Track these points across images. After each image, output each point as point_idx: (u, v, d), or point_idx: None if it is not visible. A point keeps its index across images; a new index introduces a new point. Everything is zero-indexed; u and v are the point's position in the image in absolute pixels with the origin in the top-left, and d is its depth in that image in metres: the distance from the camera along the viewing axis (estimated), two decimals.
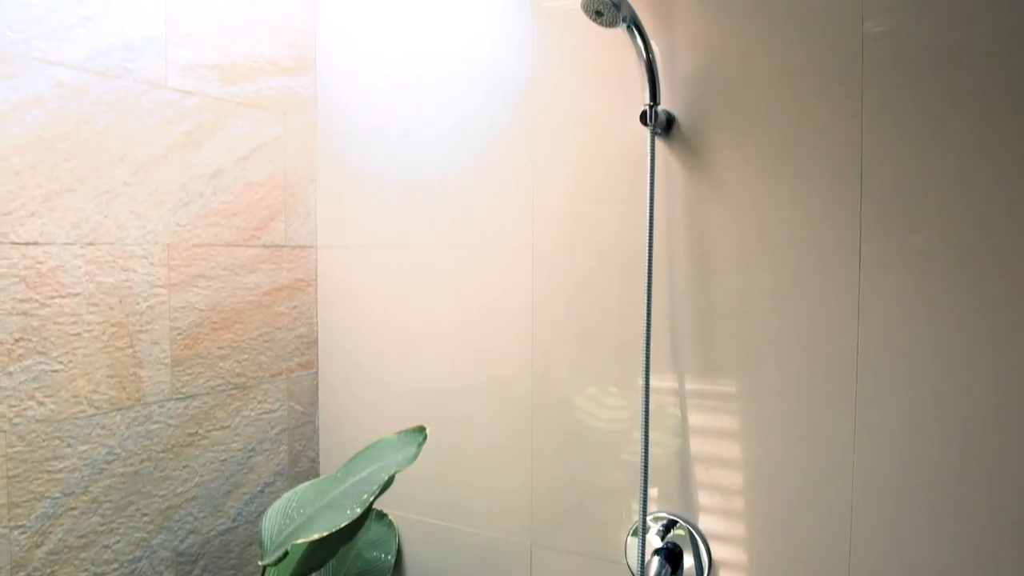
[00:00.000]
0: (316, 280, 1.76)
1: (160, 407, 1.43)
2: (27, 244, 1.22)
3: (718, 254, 1.30)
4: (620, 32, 1.35)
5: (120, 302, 1.36)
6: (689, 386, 1.33)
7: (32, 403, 1.24)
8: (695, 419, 1.33)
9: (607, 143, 1.39)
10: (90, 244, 1.31)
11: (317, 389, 1.78)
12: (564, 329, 1.45)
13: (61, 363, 1.28)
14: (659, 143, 1.35)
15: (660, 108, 1.30)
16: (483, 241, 1.53)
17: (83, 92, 1.29)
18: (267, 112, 1.62)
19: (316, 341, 1.77)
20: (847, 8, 1.17)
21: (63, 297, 1.27)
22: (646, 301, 1.29)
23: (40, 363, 1.25)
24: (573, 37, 1.42)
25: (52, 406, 1.27)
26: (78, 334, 1.30)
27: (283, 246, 1.67)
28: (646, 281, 1.29)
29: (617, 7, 1.19)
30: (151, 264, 1.41)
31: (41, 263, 1.24)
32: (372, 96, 1.66)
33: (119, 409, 1.36)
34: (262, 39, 1.60)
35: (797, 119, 1.22)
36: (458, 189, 1.56)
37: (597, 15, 1.22)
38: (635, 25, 1.25)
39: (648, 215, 1.29)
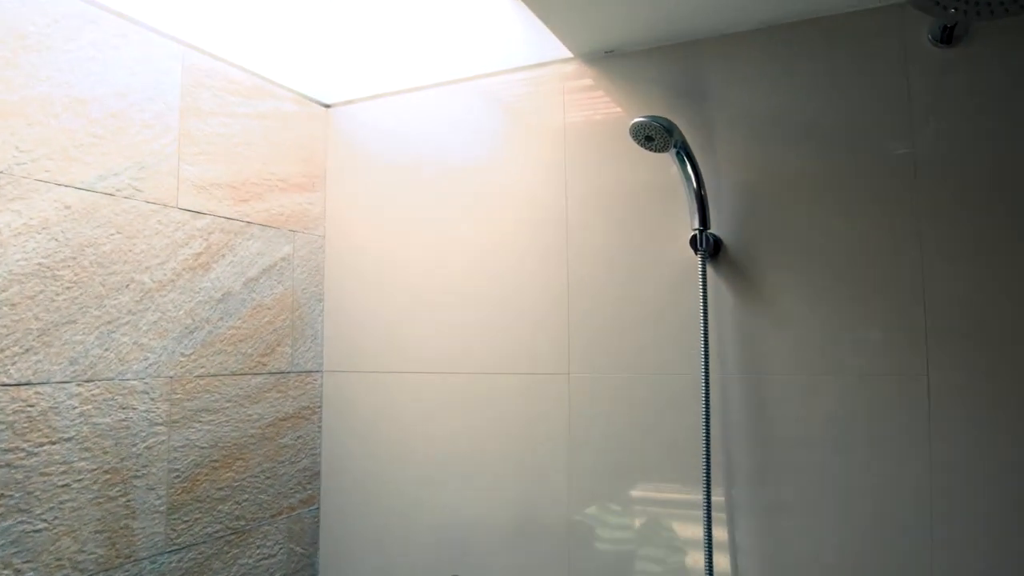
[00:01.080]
0: (321, 407, 1.63)
1: (152, 563, 1.25)
2: (19, 385, 1.07)
3: (775, 381, 1.24)
4: (648, 153, 1.32)
5: (115, 445, 1.20)
6: (742, 529, 1.24)
7: (8, 572, 1.06)
8: (749, 565, 1.23)
9: (654, 268, 1.34)
10: (88, 381, 1.16)
11: (318, 527, 1.61)
12: (605, 462, 1.35)
13: (45, 521, 1.10)
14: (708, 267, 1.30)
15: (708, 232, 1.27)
16: (514, 363, 1.44)
17: (91, 214, 1.18)
18: (277, 231, 1.52)
19: (319, 474, 1.62)
20: (897, 130, 1.18)
21: (53, 443, 1.12)
22: (704, 433, 1.21)
23: (21, 523, 1.07)
24: (612, 158, 1.39)
25: (31, 574, 1.08)
26: (67, 485, 1.13)
27: (290, 372, 1.54)
28: (703, 411, 1.21)
29: (669, 132, 1.17)
30: (152, 400, 1.26)
31: (32, 406, 1.09)
32: (383, 212, 1.59)
33: (106, 570, 1.18)
34: (275, 155, 1.53)
35: (852, 242, 1.20)
36: (485, 309, 1.47)
37: (647, 140, 1.19)
38: (684, 150, 1.22)
39: (703, 341, 1.23)
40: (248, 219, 1.45)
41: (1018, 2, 0.87)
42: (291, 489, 1.54)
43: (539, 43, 1.44)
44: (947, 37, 1.13)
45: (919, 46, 1.17)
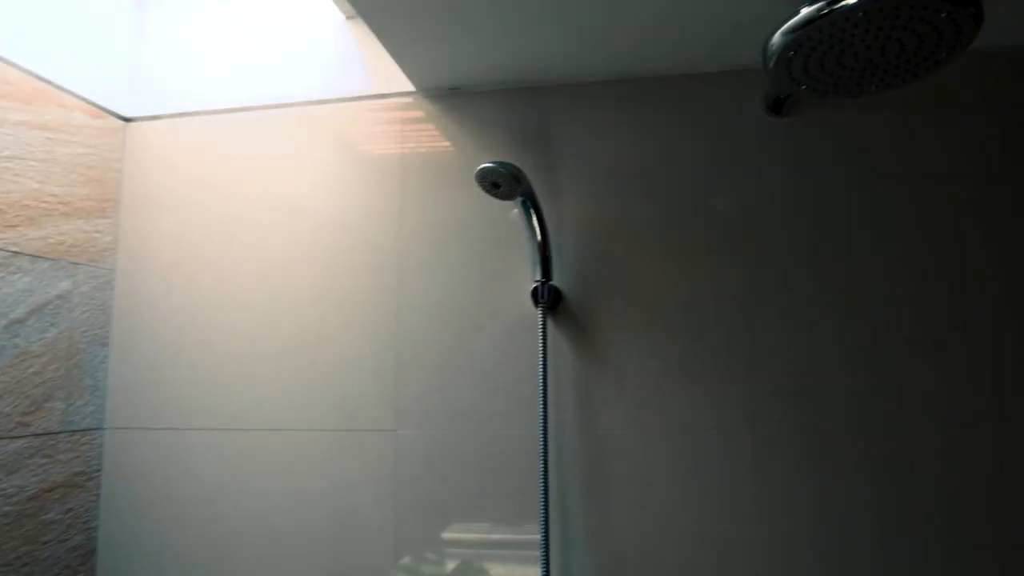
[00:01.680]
0: (101, 472, 1.38)
1: None
2: None
3: (613, 436, 1.21)
4: (488, 200, 1.27)
5: None
6: None
7: None
8: None
9: (492, 318, 1.27)
10: None
11: None
12: (436, 524, 1.25)
13: None
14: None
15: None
16: (335, 418, 1.30)
17: None
18: (54, 263, 1.28)
19: (94, 552, 1.36)
20: (730, 188, 1.21)
21: None
22: (542, 491, 1.15)
23: None
24: (447, 205, 1.31)
25: None
26: None
27: (61, 432, 1.29)
28: (541, 467, 1.16)
29: (517, 180, 1.12)
30: None
31: None
32: (185, 245, 1.40)
33: None
34: (56, 173, 1.29)
35: (690, 299, 1.21)
36: (303, 358, 1.32)
37: (494, 187, 1.13)
38: (531, 200, 1.18)
39: (541, 396, 1.18)
40: (15, 248, 1.20)
41: (859, 86, 0.92)
42: (57, 574, 1.27)
43: (381, 73, 1.35)
44: (777, 108, 1.19)
45: (753, 112, 1.22)
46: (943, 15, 0.78)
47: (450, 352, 1.28)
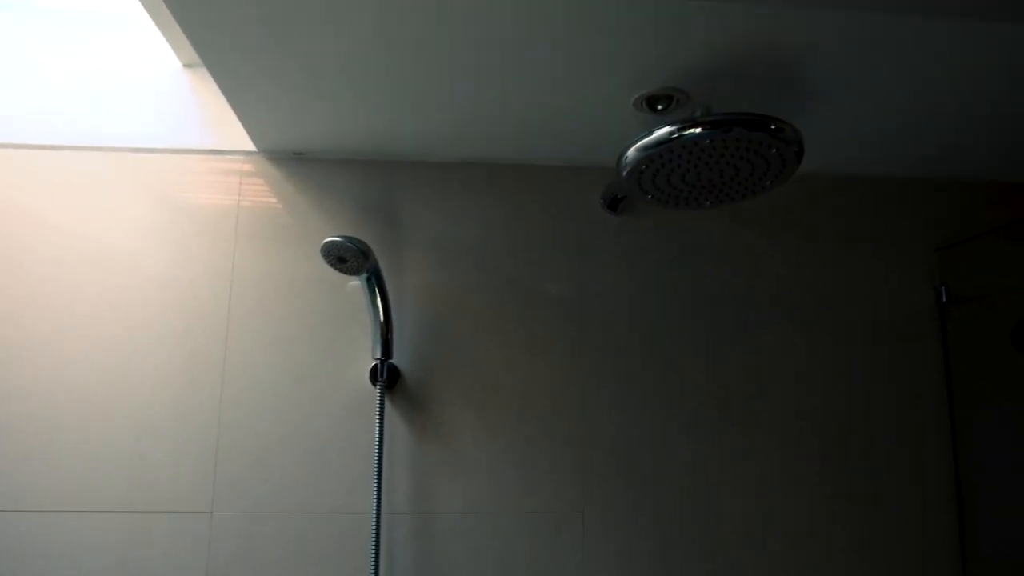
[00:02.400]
0: None
1: None
2: None
3: (446, 519, 1.19)
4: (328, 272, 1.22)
5: None
6: None
7: None
8: None
9: (327, 395, 1.21)
10: None
11: None
12: None
13: None
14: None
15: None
16: (142, 499, 1.15)
17: None
18: None
19: None
20: (569, 274, 1.27)
21: None
22: (372, 571, 1.10)
23: None
24: (286, 280, 1.24)
25: None
26: None
27: None
28: (373, 551, 1.10)
29: (365, 256, 1.09)
30: None
31: None
32: None
33: None
34: None
35: (526, 381, 1.23)
36: (109, 430, 1.17)
37: (340, 261, 1.09)
38: (376, 277, 1.15)
39: (376, 478, 1.13)
40: None
41: (697, 200, 1.01)
42: None
43: (221, 128, 1.27)
44: (613, 206, 1.27)
45: (592, 206, 1.29)
46: (773, 150, 0.88)
47: (278, 427, 1.19)
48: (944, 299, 1.33)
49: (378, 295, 1.16)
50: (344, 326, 1.23)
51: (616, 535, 1.20)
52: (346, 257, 1.09)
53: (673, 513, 1.22)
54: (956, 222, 1.37)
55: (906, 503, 1.27)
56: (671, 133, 0.87)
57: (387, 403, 1.22)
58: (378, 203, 1.28)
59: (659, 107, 1.04)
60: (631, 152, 0.91)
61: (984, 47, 0.91)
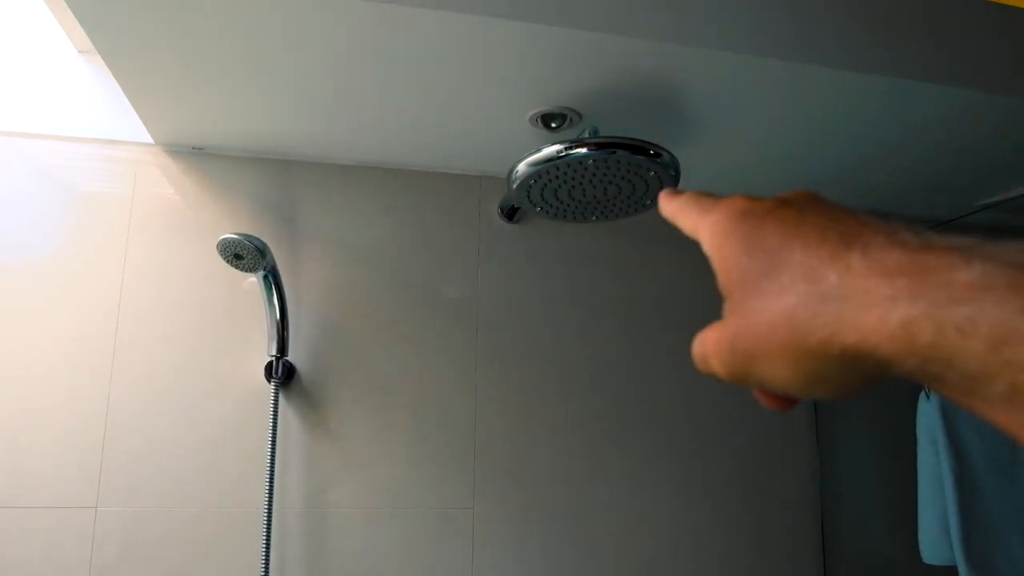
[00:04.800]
0: None
1: None
2: None
3: (339, 515, 1.21)
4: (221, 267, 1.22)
5: None
6: None
7: None
8: None
9: (219, 390, 1.20)
10: None
11: None
12: None
13: None
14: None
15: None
16: (16, 496, 1.12)
17: None
18: None
19: None
20: (466, 282, 1.31)
21: None
22: (263, 567, 1.10)
23: None
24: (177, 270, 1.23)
25: None
26: None
27: None
28: (264, 547, 1.11)
29: (262, 254, 1.09)
30: None
31: None
32: None
33: None
34: None
35: (421, 381, 1.27)
36: None
37: (236, 258, 1.10)
38: (273, 275, 1.16)
39: (269, 474, 1.14)
40: None
41: (583, 214, 1.07)
42: None
43: (117, 117, 1.24)
44: (510, 215, 1.31)
45: (490, 214, 1.34)
46: (651, 172, 0.95)
47: (169, 422, 1.18)
48: None
49: (275, 293, 1.17)
50: (240, 323, 1.23)
51: (505, 532, 1.25)
52: (243, 254, 1.09)
53: (560, 511, 1.28)
54: None
55: (773, 503, 1.37)
56: (558, 152, 0.93)
57: (281, 400, 1.22)
58: (277, 202, 1.28)
59: (553, 125, 1.09)
60: (521, 167, 0.96)
61: (852, 96, 1.00)
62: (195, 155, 1.27)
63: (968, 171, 1.28)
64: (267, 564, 1.12)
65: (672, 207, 0.37)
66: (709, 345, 0.32)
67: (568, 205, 1.04)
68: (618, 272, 1.38)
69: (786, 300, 0.27)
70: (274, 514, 1.19)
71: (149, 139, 1.23)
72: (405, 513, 1.23)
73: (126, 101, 1.19)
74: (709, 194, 0.35)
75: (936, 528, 1.23)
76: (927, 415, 1.26)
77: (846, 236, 0.27)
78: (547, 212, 1.06)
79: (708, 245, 0.34)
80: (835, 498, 1.39)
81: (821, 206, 0.30)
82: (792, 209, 0.30)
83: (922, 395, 1.27)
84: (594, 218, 1.08)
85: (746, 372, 0.30)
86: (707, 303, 1.46)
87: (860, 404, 1.43)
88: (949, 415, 1.23)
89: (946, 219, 1.44)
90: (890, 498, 1.37)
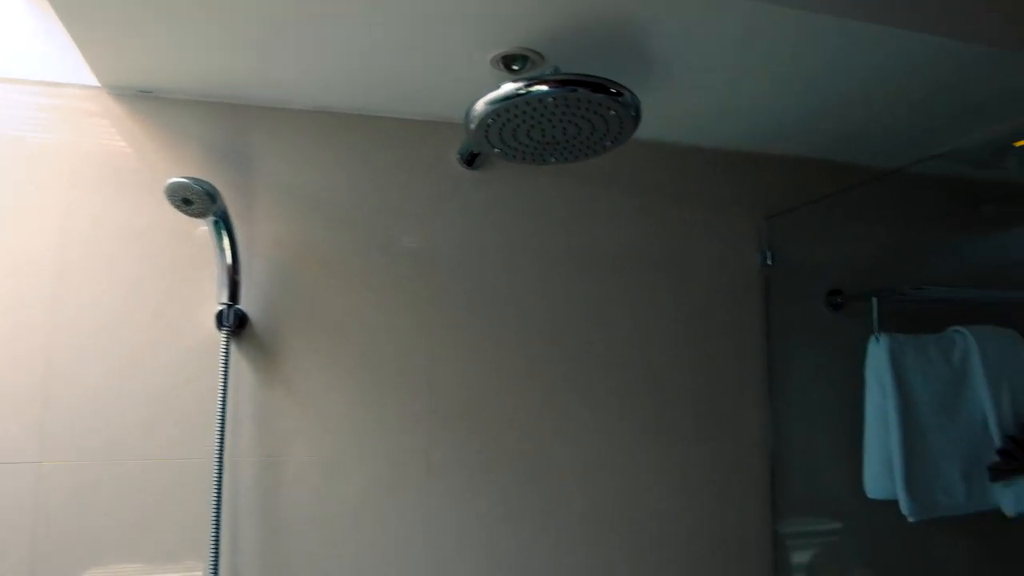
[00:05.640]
0: None
1: None
2: None
3: (292, 463, 1.20)
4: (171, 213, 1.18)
5: None
6: None
7: None
8: None
9: (169, 339, 1.17)
10: None
11: None
12: (84, 554, 1.10)
13: None
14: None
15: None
16: None
17: None
18: None
19: None
20: (424, 227, 1.29)
21: None
22: (214, 517, 1.09)
23: None
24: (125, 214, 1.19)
25: None
26: None
27: None
28: (215, 496, 1.10)
29: (212, 199, 1.06)
30: None
31: None
32: None
33: None
34: None
35: (377, 327, 1.26)
36: None
37: (185, 203, 1.06)
38: (224, 221, 1.12)
39: (220, 422, 1.12)
40: None
41: (542, 156, 1.06)
42: None
43: (61, 59, 1.18)
44: (470, 161, 1.30)
45: (448, 160, 1.32)
46: (612, 112, 0.94)
47: (115, 372, 1.15)
48: (769, 263, 1.46)
49: (225, 238, 1.14)
50: (190, 272, 1.20)
51: (461, 477, 1.26)
52: (192, 199, 1.06)
53: (515, 455, 1.29)
54: (786, 194, 1.51)
55: (725, 448, 1.41)
56: (518, 89, 0.91)
57: (233, 349, 1.20)
58: (229, 147, 1.24)
59: (515, 67, 1.07)
60: (479, 105, 0.94)
61: (808, 41, 1.00)
62: (142, 99, 1.22)
63: (922, 120, 1.31)
64: (218, 514, 1.10)
65: None
66: None
67: (527, 146, 1.03)
68: (577, 220, 1.38)
69: None
70: (226, 464, 1.17)
71: (93, 81, 1.18)
72: (360, 460, 1.23)
73: (68, 38, 1.14)
74: None
75: (879, 465, 1.27)
76: (875, 357, 1.29)
77: None
78: (506, 154, 1.05)
79: None
80: (785, 439, 1.43)
81: None
82: None
83: (872, 338, 1.30)
84: (553, 160, 1.07)
85: None
86: (664, 252, 1.49)
87: (811, 348, 1.47)
88: (897, 358, 1.27)
89: (898, 167, 1.48)
90: (837, 438, 1.42)
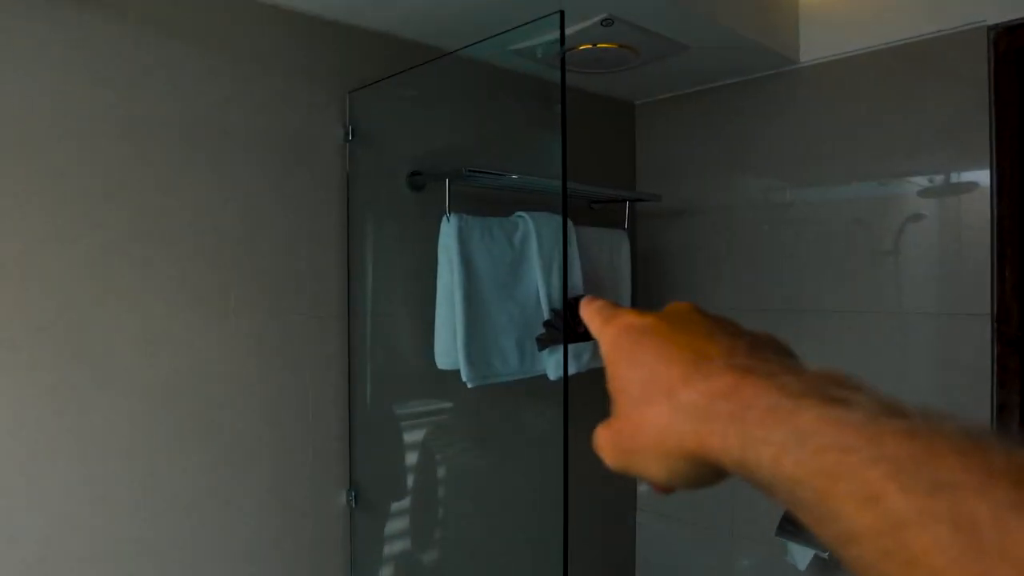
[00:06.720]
0: None
1: None
2: None
3: None
4: None
5: None
6: None
7: None
8: None
9: None
10: None
11: None
12: None
13: None
14: None
15: None
16: None
17: None
18: None
19: None
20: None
21: None
22: None
23: None
24: None
25: None
26: None
27: None
28: None
29: None
30: None
31: None
32: None
33: None
34: None
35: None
36: None
37: None
38: None
39: None
40: None
41: None
42: None
43: None
44: None
45: None
46: None
47: None
48: (351, 137, 1.39)
49: None
50: None
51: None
52: None
53: (61, 329, 1.06)
54: (372, 70, 1.43)
55: (303, 317, 1.34)
56: None
57: None
58: None
59: None
60: None
61: None
62: None
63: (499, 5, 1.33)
64: None
65: (586, 312, 0.41)
66: (600, 441, 0.36)
67: None
68: (134, 82, 1.14)
69: (653, 409, 0.32)
70: None
71: None
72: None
73: None
74: (613, 305, 0.39)
75: (447, 337, 1.33)
76: (446, 235, 1.33)
77: (699, 358, 0.32)
78: None
79: (602, 353, 0.37)
80: (362, 313, 1.42)
81: (693, 324, 0.35)
82: (667, 326, 0.35)
83: (443, 217, 1.33)
84: None
85: (627, 466, 0.34)
86: (240, 121, 1.32)
87: (392, 226, 1.46)
88: (464, 236, 1.32)
89: (460, 47, 1.50)
90: (414, 313, 1.45)
